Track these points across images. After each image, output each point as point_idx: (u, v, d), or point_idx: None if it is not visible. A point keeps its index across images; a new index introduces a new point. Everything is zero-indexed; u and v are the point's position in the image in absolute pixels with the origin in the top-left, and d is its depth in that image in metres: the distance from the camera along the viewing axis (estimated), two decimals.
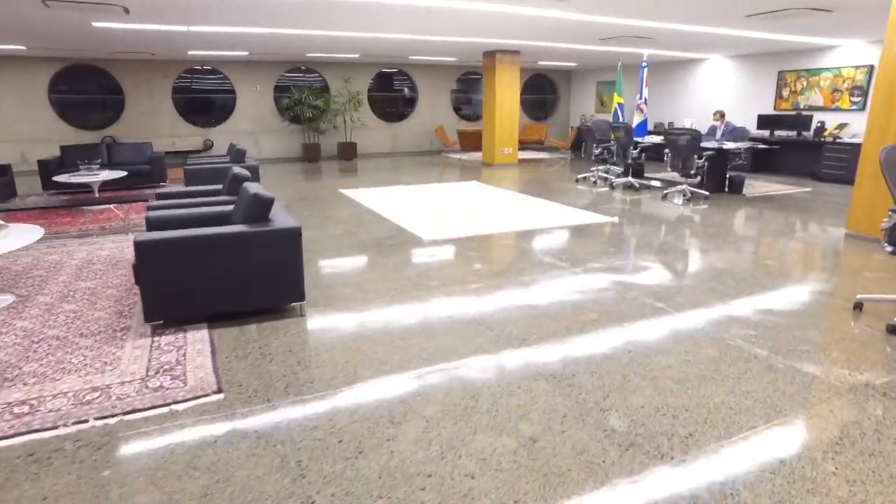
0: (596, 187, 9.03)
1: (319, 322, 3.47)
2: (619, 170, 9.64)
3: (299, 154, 13.49)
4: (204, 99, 12.97)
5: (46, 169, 8.32)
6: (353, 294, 3.96)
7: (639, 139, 9.36)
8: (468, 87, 15.60)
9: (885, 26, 5.19)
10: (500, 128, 11.93)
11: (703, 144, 7.99)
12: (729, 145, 8.25)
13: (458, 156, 14.11)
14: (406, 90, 14.88)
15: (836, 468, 2.02)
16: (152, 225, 3.83)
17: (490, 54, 11.52)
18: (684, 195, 7.89)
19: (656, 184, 9.19)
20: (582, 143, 11.18)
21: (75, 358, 2.94)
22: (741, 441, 2.18)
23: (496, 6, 6.17)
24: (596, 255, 4.98)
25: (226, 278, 3.33)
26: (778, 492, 1.89)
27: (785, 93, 10.64)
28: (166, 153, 11.41)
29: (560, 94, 16.53)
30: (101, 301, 3.83)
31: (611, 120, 10.47)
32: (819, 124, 9.78)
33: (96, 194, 7.83)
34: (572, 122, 16.23)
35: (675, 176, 8.33)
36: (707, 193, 7.94)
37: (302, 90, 12.84)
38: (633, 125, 9.67)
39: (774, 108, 10.82)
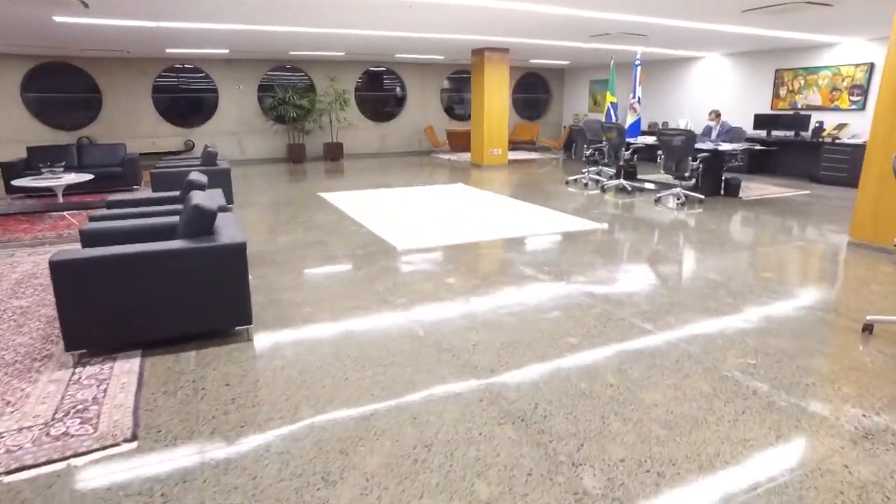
0: (587, 190, 8.66)
1: (267, 348, 3.10)
2: (612, 171, 9.28)
3: (284, 155, 13.10)
4: (186, 98, 12.55)
5: (10, 171, 7.91)
6: (312, 314, 3.59)
7: (631, 140, 9.00)
8: (461, 86, 15.18)
9: (889, 22, 4.84)
10: (488, 128, 11.53)
11: (698, 145, 7.64)
12: (725, 146, 7.91)
13: (447, 156, 13.73)
14: (398, 89, 14.47)
15: None
16: (87, 239, 3.45)
17: (479, 52, 11.14)
18: (678, 199, 7.52)
19: (649, 186, 8.84)
20: (573, 144, 10.82)
21: None
22: None
23: (479, 0, 5.80)
24: (581, 266, 4.61)
25: (161, 301, 2.95)
26: None
27: (782, 92, 10.28)
28: (146, 154, 11.01)
29: (553, 93, 16.15)
30: (30, 322, 3.45)
31: (603, 119, 10.11)
32: (817, 124, 9.44)
33: (60, 199, 7.43)
34: (565, 122, 15.87)
35: (668, 178, 7.97)
36: (702, 197, 7.58)
37: (286, 89, 12.43)
38: (627, 125, 9.32)
39: (771, 108, 10.46)
